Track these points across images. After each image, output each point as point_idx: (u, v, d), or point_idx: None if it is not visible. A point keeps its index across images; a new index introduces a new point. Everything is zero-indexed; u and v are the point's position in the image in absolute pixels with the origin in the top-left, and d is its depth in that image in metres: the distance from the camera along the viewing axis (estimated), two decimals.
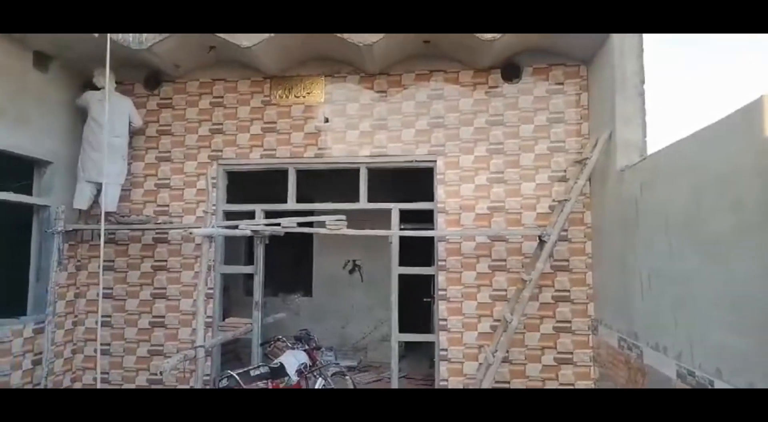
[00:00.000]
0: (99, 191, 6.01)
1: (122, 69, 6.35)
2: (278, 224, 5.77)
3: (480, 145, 6.15)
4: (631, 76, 5.22)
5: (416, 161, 6.29)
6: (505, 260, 5.99)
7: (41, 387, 5.65)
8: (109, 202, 6.09)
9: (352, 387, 5.85)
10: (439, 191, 6.20)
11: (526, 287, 5.30)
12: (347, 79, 6.42)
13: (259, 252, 6.23)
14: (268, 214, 6.39)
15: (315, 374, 5.53)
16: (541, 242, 5.51)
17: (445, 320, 6.04)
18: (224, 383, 4.46)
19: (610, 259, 5.32)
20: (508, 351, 5.64)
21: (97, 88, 6.18)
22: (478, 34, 5.36)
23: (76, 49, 5.77)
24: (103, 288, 6.23)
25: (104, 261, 6.12)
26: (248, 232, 5.76)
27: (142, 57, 5.99)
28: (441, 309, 6.08)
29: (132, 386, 6.26)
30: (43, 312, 5.80)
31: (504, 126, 6.14)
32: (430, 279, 6.87)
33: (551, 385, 5.78)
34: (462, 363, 5.96)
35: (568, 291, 5.86)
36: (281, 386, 4.91)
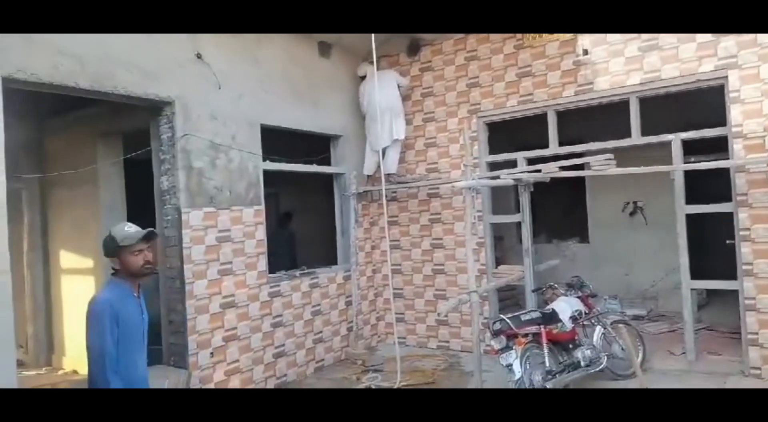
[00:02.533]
0: (383, 157, 6.86)
1: (387, 43, 7.00)
2: (539, 170, 5.67)
3: None
4: None
5: (700, 81, 5.36)
6: None
7: (353, 324, 6.83)
8: (389, 164, 6.88)
9: (637, 335, 5.48)
10: (734, 112, 5.18)
11: None
12: None
13: (524, 200, 6.24)
14: (533, 161, 6.31)
15: (592, 321, 5.37)
16: None
17: (751, 264, 5.11)
18: (497, 326, 4.68)
19: None
20: None
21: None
22: None
23: (350, 36, 6.57)
24: (392, 240, 7.14)
25: (389, 217, 6.99)
26: (510, 181, 5.81)
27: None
28: (744, 251, 5.16)
29: (423, 325, 7.07)
30: (349, 262, 6.95)
31: None
32: (731, 218, 5.87)
33: None
34: None
35: None
36: (554, 331, 4.91)
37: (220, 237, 5.32)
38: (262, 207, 5.82)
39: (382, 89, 6.63)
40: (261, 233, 5.77)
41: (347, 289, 6.90)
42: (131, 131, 5.98)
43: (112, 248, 2.77)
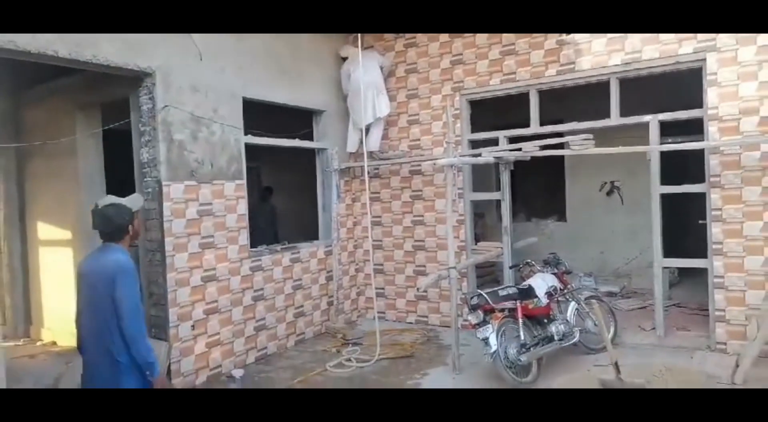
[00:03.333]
0: (366, 134, 6.86)
1: None
2: (520, 149, 5.74)
3: None
4: None
5: (679, 63, 5.45)
6: None
7: (334, 299, 6.91)
8: (372, 142, 6.89)
9: (609, 311, 5.64)
10: (710, 95, 5.28)
11: None
12: None
13: (505, 178, 6.32)
14: (514, 140, 6.37)
15: (567, 297, 5.51)
16: None
17: (721, 243, 5.28)
18: (474, 301, 4.79)
19: None
20: None
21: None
22: None
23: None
24: (373, 216, 7.20)
25: (371, 193, 7.04)
26: (491, 159, 5.88)
27: None
28: (715, 231, 5.32)
29: (403, 300, 7.19)
30: (330, 238, 7.00)
31: None
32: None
33: None
34: (744, 292, 5.18)
35: None
36: (530, 307, 5.04)
37: (202, 211, 5.31)
38: (244, 181, 5.80)
39: (365, 67, 6.60)
40: (243, 207, 5.77)
41: (328, 264, 6.95)
42: (110, 102, 5.88)
43: (130, 216, 2.93)
